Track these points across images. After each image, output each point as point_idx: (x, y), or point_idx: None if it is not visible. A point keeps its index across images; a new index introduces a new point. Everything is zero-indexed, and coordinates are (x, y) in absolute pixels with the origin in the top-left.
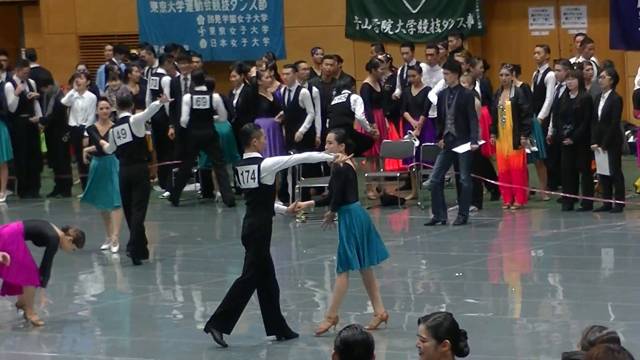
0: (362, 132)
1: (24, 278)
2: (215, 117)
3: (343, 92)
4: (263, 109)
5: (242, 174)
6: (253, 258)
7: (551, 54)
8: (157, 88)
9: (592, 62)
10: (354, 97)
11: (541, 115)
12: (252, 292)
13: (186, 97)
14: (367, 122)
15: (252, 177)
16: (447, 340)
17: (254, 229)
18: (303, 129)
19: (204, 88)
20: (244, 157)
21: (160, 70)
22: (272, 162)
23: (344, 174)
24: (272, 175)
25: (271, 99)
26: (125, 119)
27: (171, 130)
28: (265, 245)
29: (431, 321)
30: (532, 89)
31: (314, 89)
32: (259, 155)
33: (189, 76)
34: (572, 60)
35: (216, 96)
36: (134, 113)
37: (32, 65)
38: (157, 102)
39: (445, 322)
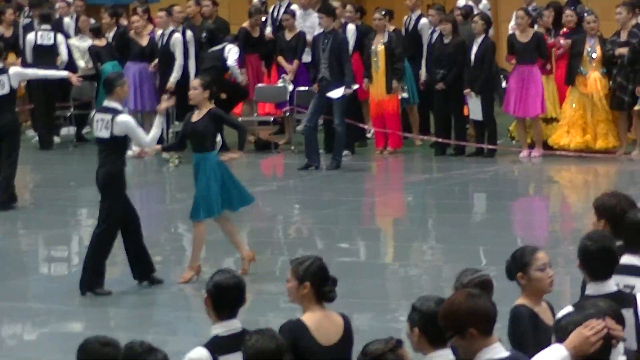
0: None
1: None
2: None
3: (223, 44)
4: (134, 54)
5: (97, 121)
6: (111, 209)
7: None
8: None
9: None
10: (229, 46)
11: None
12: (113, 242)
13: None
14: (238, 70)
15: (106, 126)
16: (307, 283)
17: (110, 179)
18: (173, 78)
19: (48, 27)
20: (103, 105)
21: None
22: (130, 127)
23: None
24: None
25: (144, 43)
26: (3, 70)
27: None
28: (123, 194)
29: (296, 263)
30: (404, 34)
31: (188, 33)
32: (118, 106)
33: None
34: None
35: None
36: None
37: None
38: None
39: (310, 265)
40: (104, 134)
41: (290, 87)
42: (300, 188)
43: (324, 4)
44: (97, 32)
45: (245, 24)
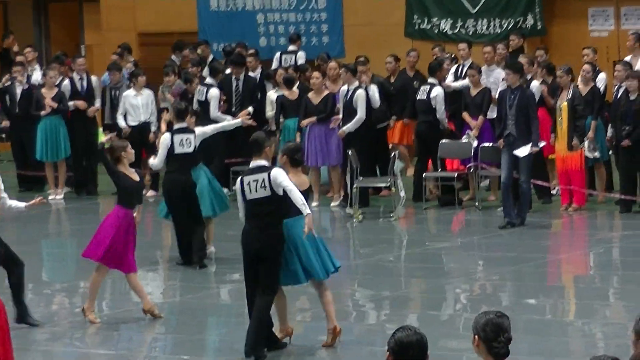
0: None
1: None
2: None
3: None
4: (308, 112)
5: (248, 183)
6: (276, 269)
7: (611, 55)
8: (203, 99)
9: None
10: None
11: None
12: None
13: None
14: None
15: (262, 185)
16: (476, 336)
17: (276, 240)
18: (347, 128)
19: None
20: (251, 166)
21: (209, 81)
22: (283, 179)
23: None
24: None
25: (315, 102)
26: (188, 130)
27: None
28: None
29: (476, 316)
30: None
31: (372, 87)
32: (266, 163)
33: (241, 76)
34: (627, 59)
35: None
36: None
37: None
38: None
39: (483, 319)
40: (262, 193)
41: (475, 143)
42: (484, 245)
43: (511, 60)
44: (289, 83)
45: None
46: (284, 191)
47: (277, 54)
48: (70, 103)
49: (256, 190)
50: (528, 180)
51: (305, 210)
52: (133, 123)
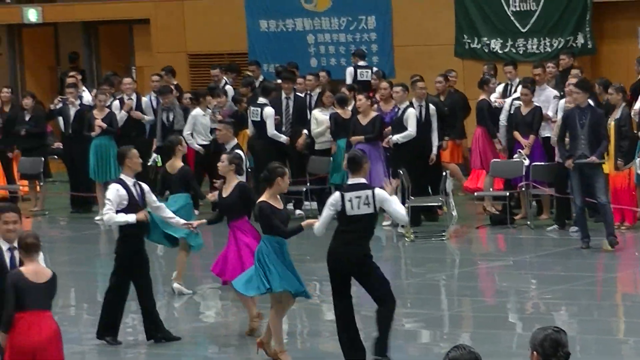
0: None
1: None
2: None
3: None
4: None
5: (350, 200)
6: (377, 279)
7: None
8: (259, 119)
9: None
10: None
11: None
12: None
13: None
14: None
15: (366, 202)
16: (534, 352)
17: (363, 256)
18: (396, 139)
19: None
20: (350, 183)
21: (262, 100)
22: (385, 198)
23: None
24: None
25: (364, 123)
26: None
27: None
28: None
29: (533, 332)
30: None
31: (431, 107)
32: (365, 180)
33: (291, 95)
34: None
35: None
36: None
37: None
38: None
39: (541, 335)
40: (365, 210)
41: (526, 162)
42: (537, 263)
43: (581, 79)
44: (342, 103)
45: (484, 96)
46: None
47: (350, 69)
48: (122, 113)
49: (359, 207)
50: (607, 198)
51: (404, 219)
52: (204, 142)
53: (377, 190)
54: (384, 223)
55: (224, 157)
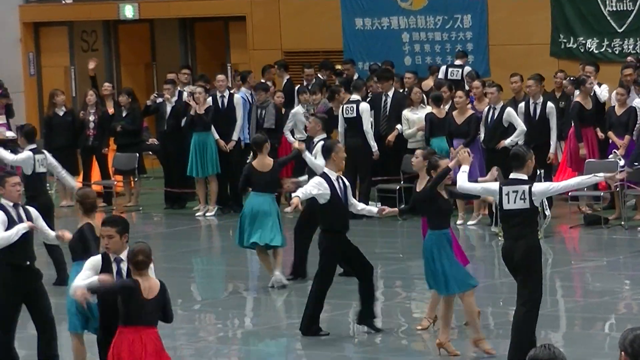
0: None
1: None
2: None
3: None
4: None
5: (507, 194)
6: (531, 281)
7: None
8: (354, 115)
9: None
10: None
11: None
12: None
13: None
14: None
15: (522, 197)
16: (622, 352)
17: (532, 252)
18: (510, 142)
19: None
20: (511, 177)
21: (354, 97)
22: (544, 188)
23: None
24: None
25: (460, 121)
26: None
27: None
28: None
29: (623, 332)
30: None
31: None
32: (526, 177)
33: (389, 93)
34: None
35: None
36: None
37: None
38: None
39: (630, 335)
40: (521, 205)
41: (622, 163)
42: (630, 264)
43: None
44: (437, 101)
45: (579, 98)
46: None
47: (443, 67)
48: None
49: (515, 202)
50: None
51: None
52: (302, 139)
53: (536, 186)
54: (470, 222)
55: (418, 152)
